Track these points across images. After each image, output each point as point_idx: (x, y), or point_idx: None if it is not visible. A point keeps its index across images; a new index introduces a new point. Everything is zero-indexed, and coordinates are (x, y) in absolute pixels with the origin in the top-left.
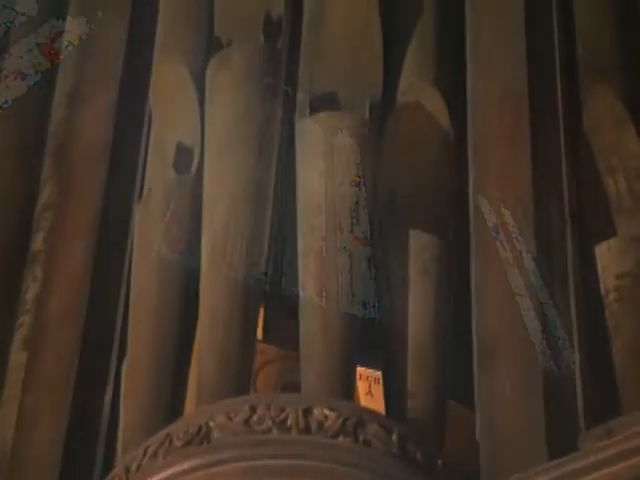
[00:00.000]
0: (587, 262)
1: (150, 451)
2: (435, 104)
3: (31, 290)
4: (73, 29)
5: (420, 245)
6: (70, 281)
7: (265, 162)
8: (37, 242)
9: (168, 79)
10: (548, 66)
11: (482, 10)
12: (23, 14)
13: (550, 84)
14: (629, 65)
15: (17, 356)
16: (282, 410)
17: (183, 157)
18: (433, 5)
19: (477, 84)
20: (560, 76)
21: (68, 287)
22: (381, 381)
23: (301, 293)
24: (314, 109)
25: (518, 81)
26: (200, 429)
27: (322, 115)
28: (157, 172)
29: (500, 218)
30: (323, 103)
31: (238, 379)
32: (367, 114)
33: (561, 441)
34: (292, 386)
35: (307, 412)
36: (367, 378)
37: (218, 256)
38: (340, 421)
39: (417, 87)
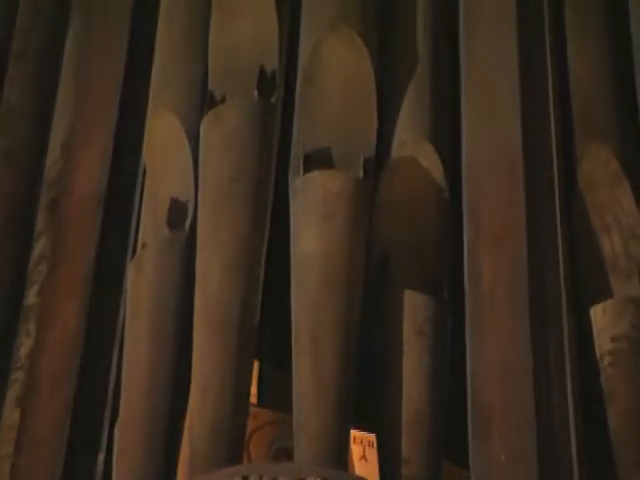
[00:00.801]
0: (582, 324)
1: None
2: (430, 160)
3: (25, 346)
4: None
5: (415, 305)
6: (63, 338)
7: (259, 221)
8: (31, 296)
9: (162, 133)
10: (543, 123)
11: (477, 66)
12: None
13: (545, 142)
14: (624, 122)
15: (10, 414)
16: None
17: (177, 213)
18: (429, 59)
19: (472, 140)
20: (555, 134)
21: (61, 344)
22: (375, 445)
23: (294, 353)
24: (308, 166)
25: (513, 138)
26: None
27: (316, 174)
28: (151, 227)
29: (494, 280)
30: (317, 160)
31: (230, 447)
32: (361, 172)
33: None
34: (285, 451)
35: None
36: (361, 441)
37: (211, 318)
38: None
39: (412, 142)
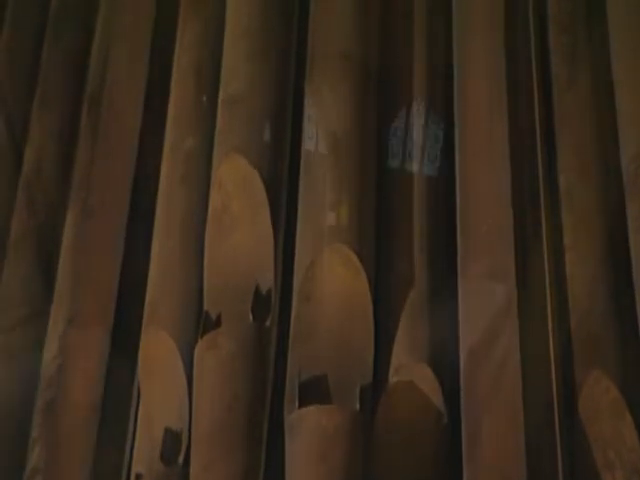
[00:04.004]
0: None
1: None
2: (428, 384)
3: None
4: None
5: None
6: None
7: (254, 456)
8: None
9: (157, 355)
10: (542, 346)
11: (472, 288)
12: None
13: (544, 368)
14: (625, 345)
15: None
16: None
17: (171, 443)
18: (425, 273)
19: (467, 345)
20: (554, 357)
21: None
22: None
23: None
24: (303, 397)
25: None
26: None
27: (312, 409)
28: (145, 456)
29: None
30: (313, 389)
31: None
32: (357, 404)
33: None
34: None
35: None
36: None
37: None
38: None
39: (409, 366)
